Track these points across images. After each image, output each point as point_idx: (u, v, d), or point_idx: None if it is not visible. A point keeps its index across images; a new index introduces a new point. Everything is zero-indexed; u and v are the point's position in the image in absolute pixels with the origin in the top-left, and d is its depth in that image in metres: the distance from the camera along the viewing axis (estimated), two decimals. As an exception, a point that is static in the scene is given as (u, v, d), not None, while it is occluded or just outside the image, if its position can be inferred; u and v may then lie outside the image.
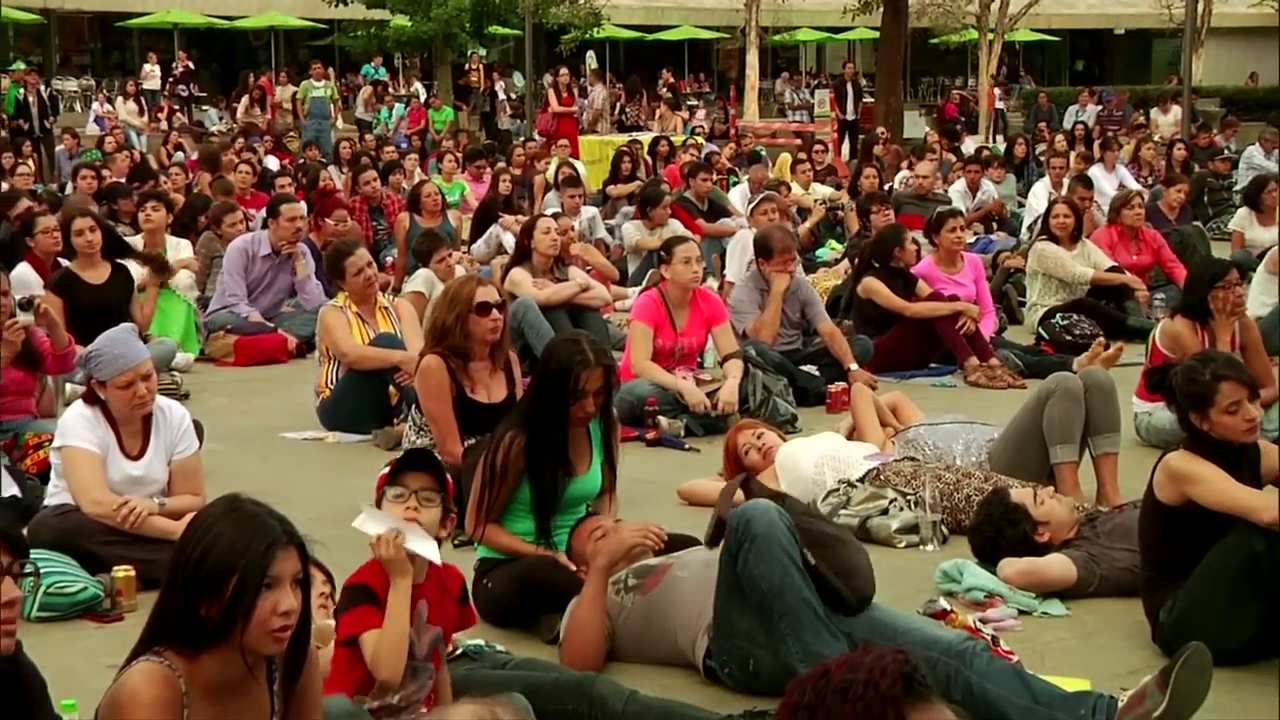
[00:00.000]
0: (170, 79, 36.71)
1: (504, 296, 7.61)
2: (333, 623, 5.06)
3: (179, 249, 12.08)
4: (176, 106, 34.94)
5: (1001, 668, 4.84)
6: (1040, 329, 11.40)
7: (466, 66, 35.69)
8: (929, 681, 2.49)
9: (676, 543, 5.65)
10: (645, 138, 24.01)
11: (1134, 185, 16.64)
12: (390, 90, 34.95)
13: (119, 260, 10.52)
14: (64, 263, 10.58)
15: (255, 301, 11.67)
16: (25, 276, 10.23)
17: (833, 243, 15.44)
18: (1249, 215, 14.10)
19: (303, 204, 12.80)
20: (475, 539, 5.86)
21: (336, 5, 35.88)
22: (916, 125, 31.04)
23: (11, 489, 6.99)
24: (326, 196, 15.20)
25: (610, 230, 15.38)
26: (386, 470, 4.51)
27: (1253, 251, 12.71)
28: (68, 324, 8.79)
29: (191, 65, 38.02)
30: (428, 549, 4.34)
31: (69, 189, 15.77)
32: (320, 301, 10.98)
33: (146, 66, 36.57)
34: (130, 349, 6.31)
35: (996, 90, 37.28)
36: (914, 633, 5.00)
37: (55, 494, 6.38)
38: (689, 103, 39.36)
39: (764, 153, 21.80)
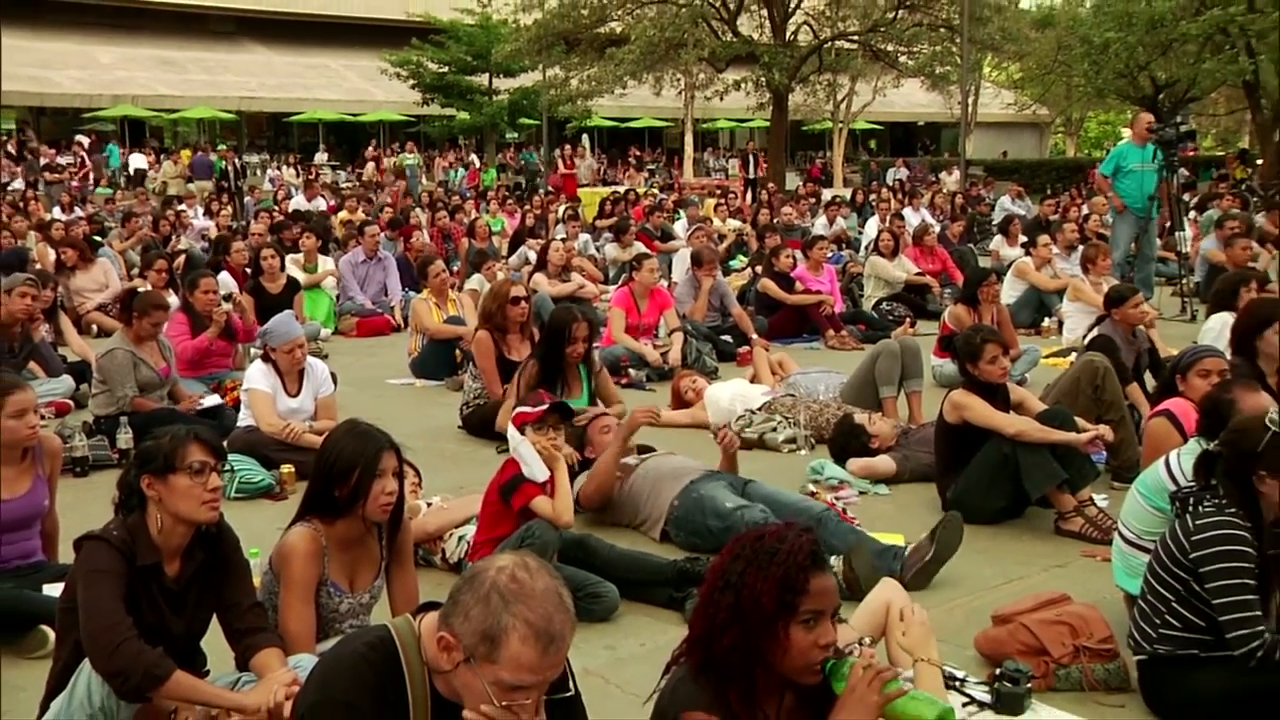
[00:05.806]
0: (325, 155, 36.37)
1: (529, 292, 7.57)
2: (421, 502, 5.04)
3: (326, 263, 12.03)
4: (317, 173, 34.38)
5: (846, 529, 4.84)
6: (872, 312, 11.39)
7: (506, 154, 35.83)
8: (825, 557, 2.44)
9: (642, 450, 5.62)
10: (620, 189, 23.84)
11: (931, 221, 16.54)
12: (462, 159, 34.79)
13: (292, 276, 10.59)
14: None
15: (365, 291, 11.71)
16: (225, 279, 10.20)
17: (740, 257, 15.34)
18: (1002, 240, 14.17)
19: (376, 226, 12.73)
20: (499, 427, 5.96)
21: (423, 106, 35.86)
22: (793, 181, 30.90)
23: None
24: (408, 227, 15.28)
25: (597, 249, 15.30)
26: (524, 412, 4.43)
27: (1004, 263, 12.72)
28: (256, 315, 8.79)
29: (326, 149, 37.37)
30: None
31: (252, 224, 15.63)
32: (398, 293, 11.64)
33: (318, 157, 36.11)
34: (292, 327, 6.30)
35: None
36: (793, 504, 5.00)
37: (243, 419, 6.33)
38: (648, 167, 38.96)
39: (696, 199, 21.60)
